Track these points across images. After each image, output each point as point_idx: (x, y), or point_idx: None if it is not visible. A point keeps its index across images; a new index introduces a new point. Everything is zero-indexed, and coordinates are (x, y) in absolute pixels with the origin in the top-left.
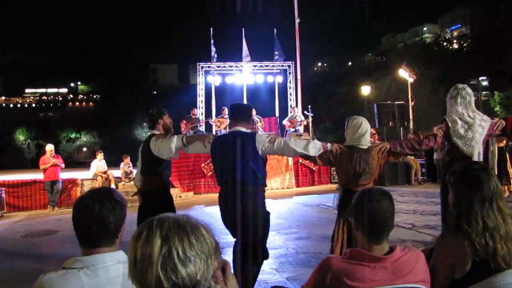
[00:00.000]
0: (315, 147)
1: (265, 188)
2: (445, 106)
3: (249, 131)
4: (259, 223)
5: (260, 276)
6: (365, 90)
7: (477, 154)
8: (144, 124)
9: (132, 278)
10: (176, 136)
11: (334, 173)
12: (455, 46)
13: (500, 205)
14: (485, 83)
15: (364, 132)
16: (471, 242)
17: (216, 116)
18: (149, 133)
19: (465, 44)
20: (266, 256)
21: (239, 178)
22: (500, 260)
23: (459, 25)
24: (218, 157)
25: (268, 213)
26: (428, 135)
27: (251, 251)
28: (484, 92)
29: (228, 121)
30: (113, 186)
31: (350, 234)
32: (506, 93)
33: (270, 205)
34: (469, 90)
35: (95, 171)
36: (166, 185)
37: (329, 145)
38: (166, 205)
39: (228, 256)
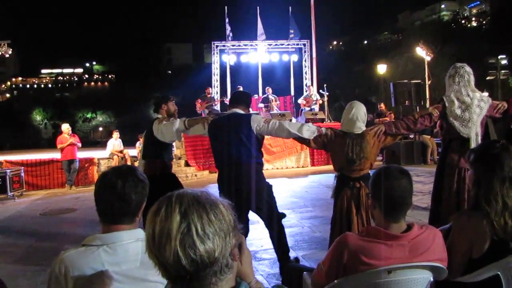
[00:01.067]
0: (309, 130)
1: (262, 166)
2: None
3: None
4: (263, 196)
5: (275, 254)
6: (381, 69)
7: (475, 135)
8: None
9: (150, 253)
10: (178, 119)
11: None
12: (474, 24)
13: None
14: (504, 62)
15: (355, 118)
16: (490, 221)
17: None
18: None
19: (484, 22)
20: (283, 215)
21: (235, 156)
22: None
23: (478, 2)
24: (214, 137)
25: (270, 186)
26: (424, 114)
27: (267, 221)
28: (503, 71)
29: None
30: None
31: (350, 219)
32: None
33: (285, 184)
34: (468, 68)
35: (112, 150)
36: (169, 168)
37: (323, 129)
38: (172, 186)
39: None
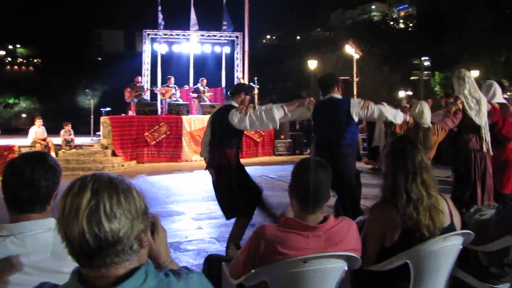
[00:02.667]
0: (400, 117)
1: (356, 147)
2: (389, 83)
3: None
4: (352, 177)
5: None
6: (312, 64)
7: (485, 123)
8: (87, 90)
9: (59, 230)
10: (273, 105)
11: (278, 145)
12: (401, 25)
13: (424, 178)
14: (427, 63)
15: (421, 111)
16: (400, 212)
17: (161, 85)
18: (225, 103)
19: (410, 24)
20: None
21: (335, 137)
22: (424, 230)
23: (406, 5)
24: (318, 119)
25: (358, 172)
26: (456, 110)
27: (348, 206)
28: (426, 72)
29: (173, 90)
30: (52, 153)
31: None
32: (446, 73)
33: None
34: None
35: (34, 138)
36: (239, 157)
37: (407, 117)
38: (243, 176)
39: (170, 225)
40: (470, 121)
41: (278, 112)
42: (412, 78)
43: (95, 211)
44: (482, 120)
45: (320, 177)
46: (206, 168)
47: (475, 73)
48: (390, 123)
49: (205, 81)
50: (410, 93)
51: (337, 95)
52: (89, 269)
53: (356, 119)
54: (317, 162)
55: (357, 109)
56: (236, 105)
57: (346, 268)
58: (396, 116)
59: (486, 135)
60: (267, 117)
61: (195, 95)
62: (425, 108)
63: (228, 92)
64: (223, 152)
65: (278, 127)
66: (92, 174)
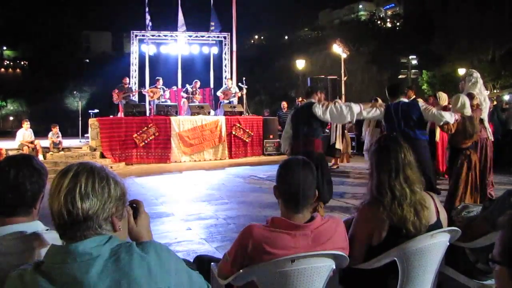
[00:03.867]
0: (454, 116)
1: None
2: (377, 82)
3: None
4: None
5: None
6: (300, 64)
7: (486, 116)
8: (75, 92)
9: (49, 206)
10: (351, 103)
11: (267, 145)
12: (389, 25)
13: (408, 174)
14: (414, 62)
15: (464, 104)
16: (385, 210)
17: (149, 86)
18: (305, 101)
19: (398, 24)
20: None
21: (410, 133)
22: (410, 226)
23: (393, 5)
24: (389, 119)
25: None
26: (478, 104)
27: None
28: (413, 71)
29: (162, 91)
30: (40, 156)
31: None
32: (433, 72)
33: (203, 176)
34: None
35: (21, 141)
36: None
37: (457, 115)
38: (324, 161)
39: (159, 226)
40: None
41: (356, 108)
42: (400, 76)
43: (72, 190)
44: (485, 113)
45: (304, 176)
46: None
47: (461, 71)
48: (447, 123)
49: (198, 83)
50: None
51: (405, 99)
52: (64, 239)
53: (424, 116)
54: (300, 161)
55: (424, 109)
56: (315, 101)
57: (334, 267)
58: (452, 118)
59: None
60: (347, 110)
61: (185, 94)
62: (466, 100)
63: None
64: (310, 141)
65: (354, 120)
66: (80, 162)
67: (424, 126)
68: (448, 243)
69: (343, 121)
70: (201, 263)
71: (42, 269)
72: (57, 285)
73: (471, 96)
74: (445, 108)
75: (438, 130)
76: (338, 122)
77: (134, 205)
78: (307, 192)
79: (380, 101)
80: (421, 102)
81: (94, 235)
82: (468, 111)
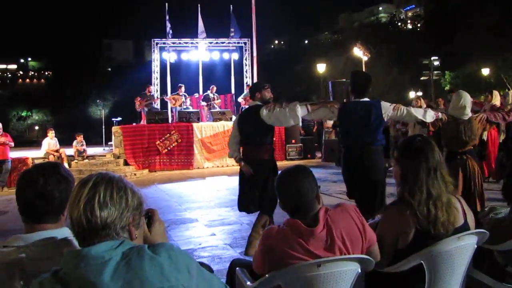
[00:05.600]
0: (430, 115)
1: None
2: (399, 84)
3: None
4: (381, 177)
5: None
6: (321, 68)
7: None
8: (98, 101)
9: (68, 214)
10: (298, 103)
11: (289, 149)
12: (409, 26)
13: (443, 173)
14: (436, 63)
15: (464, 105)
16: (413, 212)
17: (171, 93)
18: (251, 103)
19: (418, 25)
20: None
21: (367, 139)
22: (439, 226)
23: (413, 6)
24: (345, 120)
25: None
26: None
27: (371, 201)
28: (435, 72)
29: (183, 98)
30: (65, 164)
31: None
32: (456, 72)
33: (225, 181)
34: None
35: (47, 150)
36: (272, 154)
37: (440, 114)
38: (276, 170)
39: (183, 232)
40: None
41: (301, 110)
42: (422, 78)
43: (91, 200)
44: None
45: (298, 184)
46: (239, 163)
47: (485, 71)
48: (422, 123)
49: (215, 88)
50: (420, 93)
51: (367, 99)
52: (83, 247)
53: (386, 119)
54: (292, 171)
55: (389, 111)
56: (260, 103)
57: (360, 271)
58: (426, 115)
59: None
60: (290, 113)
61: (204, 103)
62: (467, 100)
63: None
64: (262, 149)
65: (300, 123)
66: (100, 172)
67: (382, 131)
68: (476, 246)
69: (287, 125)
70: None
71: (59, 276)
72: None
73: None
74: (493, 107)
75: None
76: (281, 126)
77: (149, 213)
78: (305, 197)
79: (334, 102)
80: (383, 103)
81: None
82: (466, 115)
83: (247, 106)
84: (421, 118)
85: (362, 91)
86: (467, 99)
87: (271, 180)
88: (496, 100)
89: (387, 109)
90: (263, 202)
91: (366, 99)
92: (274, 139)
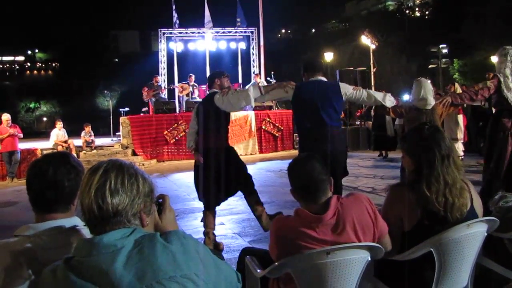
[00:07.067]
0: (390, 100)
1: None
2: (407, 73)
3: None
4: (343, 158)
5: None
6: (328, 56)
7: None
8: (105, 92)
9: (79, 201)
10: (251, 86)
11: (297, 139)
12: (417, 14)
13: (455, 159)
14: (445, 51)
15: (425, 96)
16: (423, 197)
17: (178, 83)
18: (212, 92)
19: (427, 12)
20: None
21: (323, 119)
22: (456, 212)
23: None
24: (301, 102)
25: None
26: (483, 87)
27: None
28: (444, 60)
29: (191, 88)
30: (74, 155)
31: None
32: (464, 61)
33: None
34: None
35: (55, 141)
36: (227, 141)
37: (400, 102)
38: (234, 159)
39: (192, 221)
40: (506, 102)
41: (254, 92)
42: (430, 66)
43: (102, 186)
44: None
45: (311, 166)
46: (193, 153)
47: (494, 59)
48: (382, 107)
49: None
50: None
51: (323, 78)
52: (94, 234)
53: (344, 98)
54: (304, 156)
55: (347, 89)
56: (218, 91)
57: (369, 259)
58: (385, 99)
59: None
60: (242, 95)
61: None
62: (428, 90)
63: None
64: (220, 136)
65: (253, 105)
66: (110, 159)
67: (341, 111)
68: (485, 234)
69: (239, 107)
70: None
71: (72, 264)
72: (85, 278)
73: (492, 78)
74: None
75: None
76: (234, 110)
77: (160, 200)
78: (318, 177)
79: (288, 82)
80: (343, 84)
81: (122, 228)
82: (429, 104)
83: None
84: (381, 100)
85: (315, 68)
86: (428, 89)
87: (240, 161)
88: (458, 91)
89: (347, 88)
90: (242, 184)
91: (323, 78)
92: (281, 127)
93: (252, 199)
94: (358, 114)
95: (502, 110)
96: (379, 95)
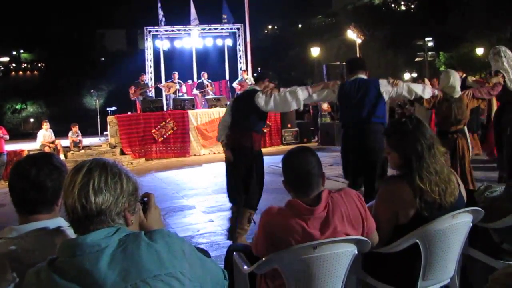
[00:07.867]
0: (428, 91)
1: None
2: (393, 66)
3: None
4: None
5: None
6: (315, 51)
7: None
8: (92, 91)
9: (63, 201)
10: (298, 87)
11: (285, 134)
12: (403, 7)
13: (439, 147)
14: (431, 44)
15: (454, 84)
16: (417, 188)
17: (165, 81)
18: (248, 88)
19: (412, 6)
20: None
21: (364, 116)
22: (449, 197)
23: None
24: (345, 100)
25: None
26: (496, 82)
27: (371, 180)
28: (430, 53)
29: (178, 85)
30: (62, 156)
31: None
32: (450, 53)
33: (222, 168)
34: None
35: (42, 141)
36: (260, 144)
37: (436, 91)
38: (260, 169)
39: (181, 219)
40: (509, 95)
41: (302, 93)
42: (416, 59)
43: (85, 186)
44: None
45: (305, 158)
46: (225, 150)
47: (480, 51)
48: (420, 98)
49: (206, 74)
50: (415, 75)
51: (364, 76)
52: (78, 234)
53: (386, 97)
54: (299, 148)
55: (387, 87)
56: (260, 89)
57: (356, 252)
58: (425, 91)
59: None
60: (291, 97)
61: (197, 92)
62: (456, 78)
63: (252, 78)
64: (247, 135)
65: (302, 107)
66: (94, 158)
67: (383, 108)
68: (471, 224)
69: (288, 109)
70: (231, 252)
71: (56, 265)
72: (69, 278)
73: (496, 74)
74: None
75: None
76: (283, 111)
77: (145, 198)
78: (312, 171)
79: (334, 81)
80: (382, 80)
81: (105, 228)
82: (457, 92)
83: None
84: (420, 93)
85: (355, 67)
86: (456, 78)
87: (256, 170)
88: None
89: (386, 86)
90: (247, 195)
91: (364, 76)
92: (269, 123)
93: (246, 214)
94: None
95: (505, 103)
96: (419, 89)
